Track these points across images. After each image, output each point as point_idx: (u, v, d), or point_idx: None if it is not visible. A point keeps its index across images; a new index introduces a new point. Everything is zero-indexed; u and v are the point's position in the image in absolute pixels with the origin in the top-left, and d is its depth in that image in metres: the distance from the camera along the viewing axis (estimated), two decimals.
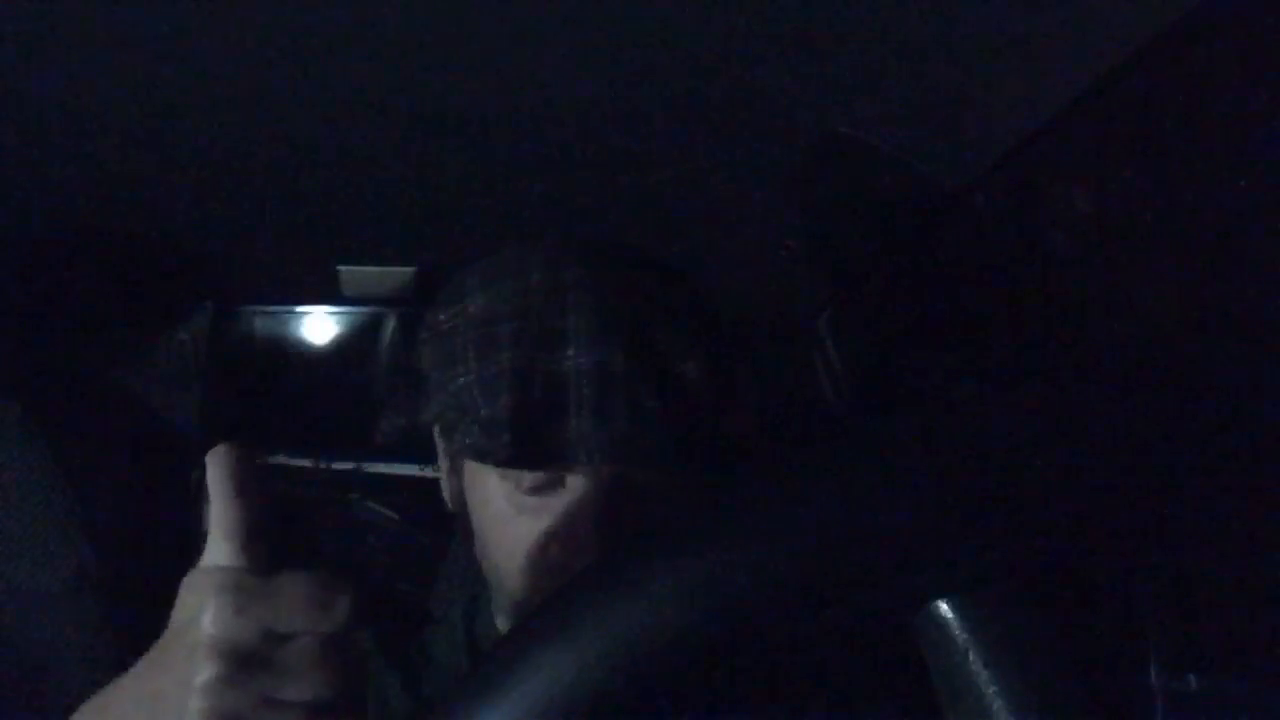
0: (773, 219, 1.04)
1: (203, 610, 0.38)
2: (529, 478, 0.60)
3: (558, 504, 0.60)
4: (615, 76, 0.74)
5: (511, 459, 0.59)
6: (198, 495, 1.26)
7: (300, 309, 1.37)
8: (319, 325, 1.39)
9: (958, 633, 0.27)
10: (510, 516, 0.62)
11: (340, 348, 1.39)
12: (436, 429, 0.70)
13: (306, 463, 1.40)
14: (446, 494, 0.71)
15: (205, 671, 0.37)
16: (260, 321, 1.37)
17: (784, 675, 0.69)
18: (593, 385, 0.58)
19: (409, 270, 1.20)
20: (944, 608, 0.27)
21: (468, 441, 0.61)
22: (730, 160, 0.90)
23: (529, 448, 0.58)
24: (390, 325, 1.38)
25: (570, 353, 0.59)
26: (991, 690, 0.26)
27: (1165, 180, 0.68)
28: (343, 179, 0.95)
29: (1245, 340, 0.65)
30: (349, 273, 1.21)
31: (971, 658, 0.27)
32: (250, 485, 0.42)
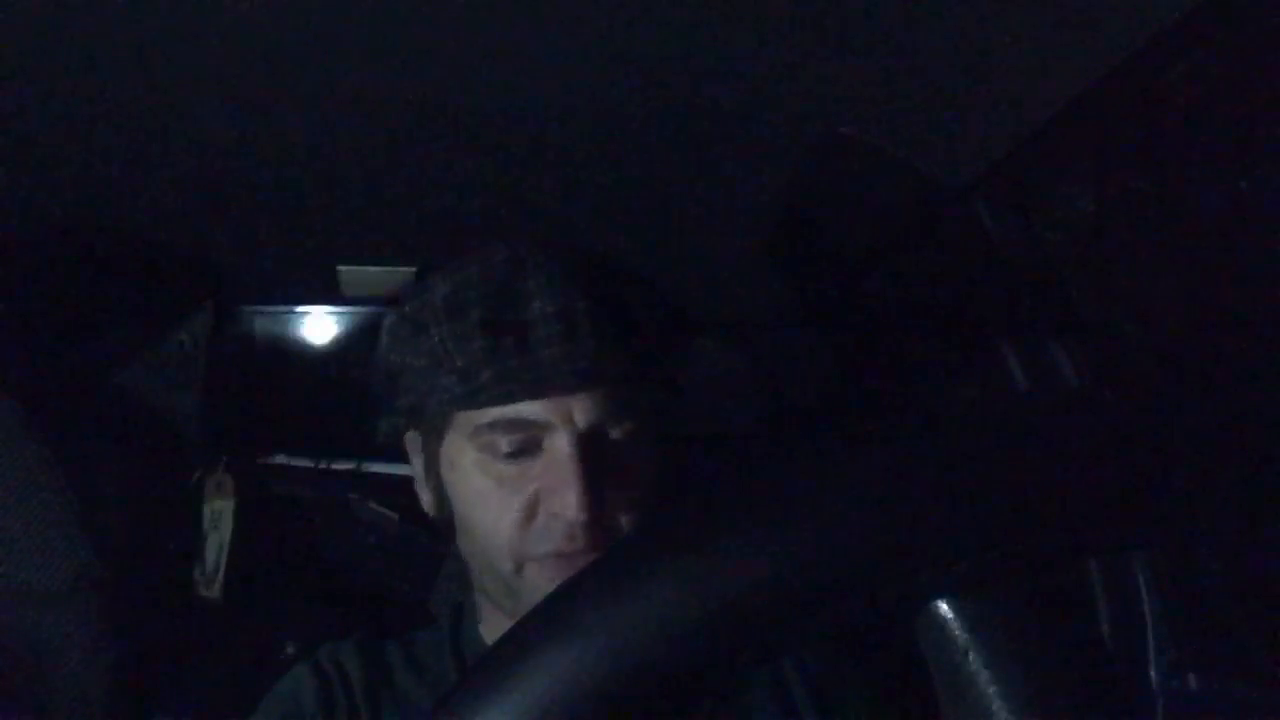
0: (773, 219, 1.04)
1: None
2: (506, 441, 0.63)
3: (537, 468, 0.63)
4: (617, 76, 0.74)
5: (491, 397, 0.62)
6: (198, 495, 1.26)
7: (300, 309, 1.37)
8: (319, 325, 1.39)
9: (958, 633, 0.27)
10: (492, 491, 0.64)
11: (340, 348, 1.39)
12: (408, 434, 0.71)
13: (306, 463, 1.40)
14: (425, 501, 0.72)
15: None
16: (260, 321, 1.37)
17: (783, 674, 0.70)
18: (559, 323, 0.62)
19: (409, 270, 1.20)
20: (944, 608, 0.27)
21: (446, 396, 0.64)
22: (731, 160, 0.90)
23: (506, 383, 0.62)
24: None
25: (535, 304, 0.63)
26: (991, 690, 0.26)
27: (1165, 180, 0.68)
28: (343, 179, 0.95)
29: (1245, 340, 0.65)
30: (349, 273, 1.21)
31: (971, 658, 0.27)
32: None
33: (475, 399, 0.63)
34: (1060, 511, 0.26)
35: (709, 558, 0.25)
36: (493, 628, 0.71)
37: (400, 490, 1.39)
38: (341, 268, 1.20)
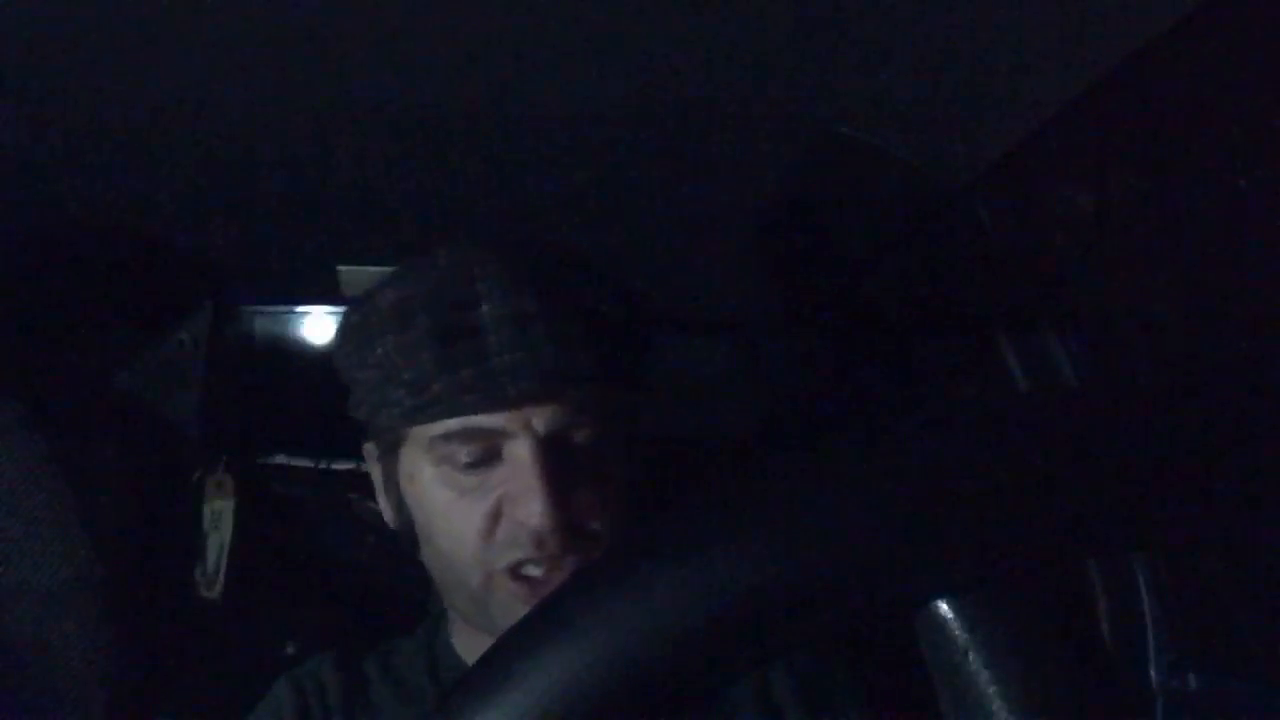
0: (771, 219, 1.04)
1: None
2: (465, 452, 0.60)
3: (499, 476, 0.61)
4: (615, 77, 0.74)
5: (444, 409, 0.59)
6: (198, 495, 1.26)
7: (300, 309, 1.37)
8: (319, 325, 1.39)
9: (958, 633, 0.27)
10: (453, 502, 0.62)
11: None
12: (365, 445, 0.71)
13: (306, 463, 1.40)
14: (384, 513, 0.70)
15: None
16: (260, 321, 1.37)
17: (768, 674, 0.70)
18: (511, 326, 0.59)
19: None
20: (944, 608, 0.27)
21: (397, 410, 0.61)
22: (729, 160, 0.90)
23: (459, 395, 0.59)
24: None
25: (484, 308, 0.60)
26: (991, 690, 0.26)
27: (1165, 180, 0.68)
28: (343, 179, 0.95)
29: (1245, 340, 0.65)
30: (349, 273, 1.21)
31: (971, 658, 0.27)
32: None
33: (427, 412, 0.60)
34: (1060, 512, 0.26)
35: (706, 560, 0.25)
36: (466, 641, 0.71)
37: None
38: (341, 268, 1.20)
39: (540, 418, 0.60)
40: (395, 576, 1.37)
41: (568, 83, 0.75)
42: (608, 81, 0.75)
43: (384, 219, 1.06)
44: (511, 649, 0.26)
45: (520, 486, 0.59)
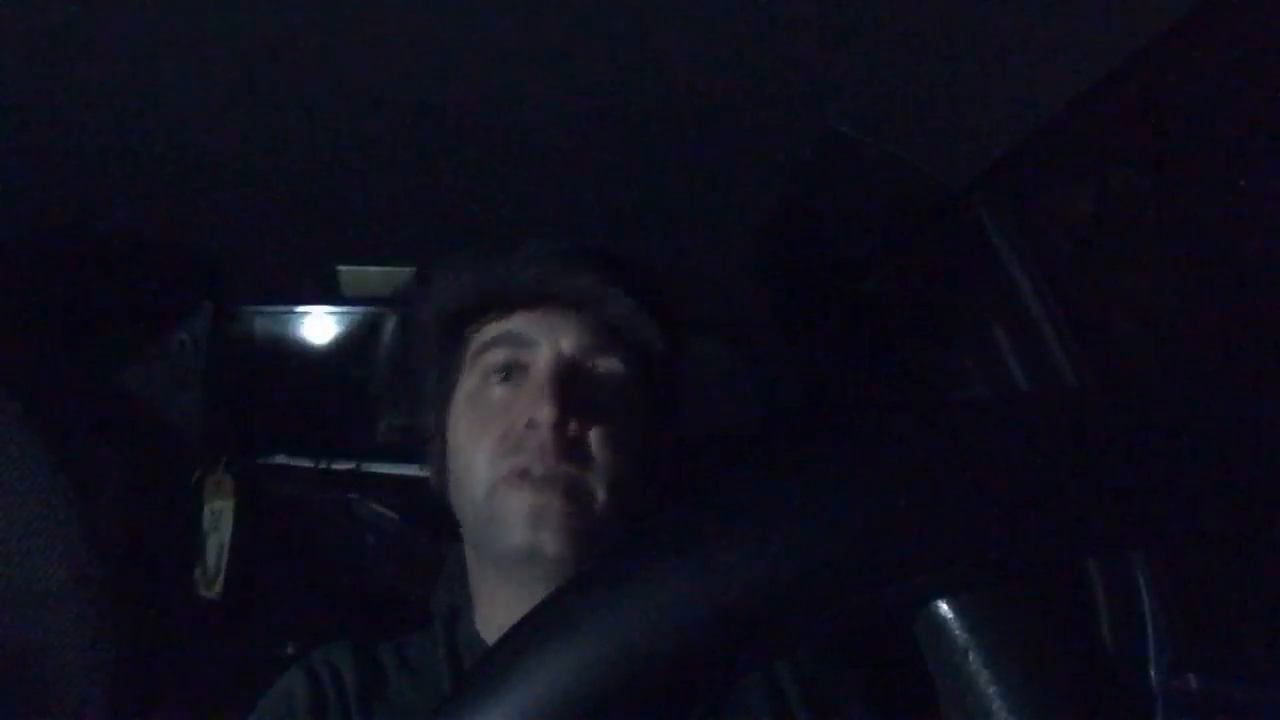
0: (772, 218, 1.04)
1: None
2: (500, 356, 0.68)
3: (520, 385, 0.68)
4: (616, 77, 0.74)
5: (483, 305, 0.69)
6: (198, 495, 1.26)
7: (300, 309, 1.37)
8: (319, 325, 1.39)
9: (958, 633, 0.27)
10: (478, 419, 0.68)
11: (340, 348, 1.39)
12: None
13: (306, 463, 1.40)
14: (432, 477, 0.75)
15: None
16: (260, 321, 1.37)
17: (778, 676, 0.70)
18: (559, 255, 0.69)
19: (409, 270, 1.20)
20: (944, 608, 0.27)
21: (447, 317, 0.71)
22: (730, 160, 0.90)
23: (499, 295, 0.69)
24: (390, 325, 1.38)
25: (544, 246, 0.70)
26: (991, 690, 0.26)
27: (1165, 180, 0.68)
28: (342, 179, 0.95)
29: (1245, 339, 0.65)
30: (349, 273, 1.21)
31: (971, 658, 0.27)
32: None
33: (471, 311, 0.70)
34: (1059, 511, 0.26)
35: (707, 559, 0.25)
36: (489, 626, 0.71)
37: (400, 490, 1.39)
38: (341, 268, 1.20)
39: (566, 334, 0.67)
40: (395, 576, 1.37)
41: (567, 83, 0.76)
42: (608, 82, 0.75)
43: (384, 219, 1.06)
44: (514, 646, 0.26)
45: (533, 389, 0.65)
